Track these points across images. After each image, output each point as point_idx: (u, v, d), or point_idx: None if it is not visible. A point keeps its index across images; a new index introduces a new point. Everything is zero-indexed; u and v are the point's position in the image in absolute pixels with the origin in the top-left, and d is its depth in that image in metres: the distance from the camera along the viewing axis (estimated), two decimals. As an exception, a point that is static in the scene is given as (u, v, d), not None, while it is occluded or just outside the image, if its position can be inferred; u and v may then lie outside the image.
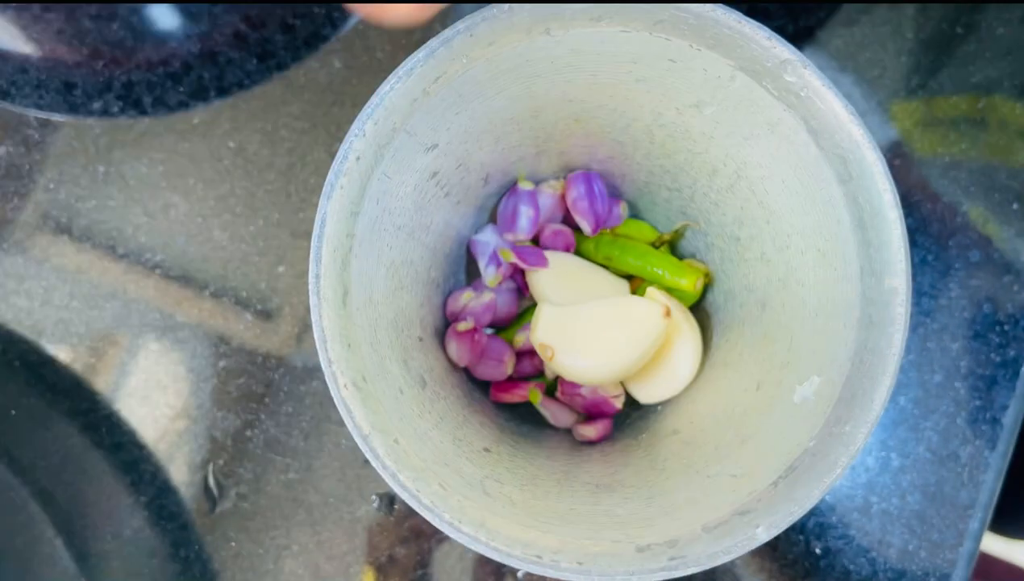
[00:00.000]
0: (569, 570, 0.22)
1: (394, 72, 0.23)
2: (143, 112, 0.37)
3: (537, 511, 0.25)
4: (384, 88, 0.24)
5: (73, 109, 0.37)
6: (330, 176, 0.23)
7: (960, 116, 0.37)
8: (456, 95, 0.25)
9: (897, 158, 0.36)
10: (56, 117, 0.37)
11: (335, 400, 0.23)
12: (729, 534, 0.23)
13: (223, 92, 0.37)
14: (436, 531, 0.35)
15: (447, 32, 0.24)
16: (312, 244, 0.23)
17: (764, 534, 0.23)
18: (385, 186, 0.25)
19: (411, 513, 0.35)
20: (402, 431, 0.24)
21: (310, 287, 0.23)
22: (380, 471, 0.23)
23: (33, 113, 0.37)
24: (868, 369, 0.24)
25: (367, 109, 0.23)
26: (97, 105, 0.37)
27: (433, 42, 0.24)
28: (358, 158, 0.24)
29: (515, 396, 0.32)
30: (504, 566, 0.35)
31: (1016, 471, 0.37)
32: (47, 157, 0.37)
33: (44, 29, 0.37)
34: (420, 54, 0.24)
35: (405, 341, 0.28)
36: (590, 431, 0.31)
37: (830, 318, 0.25)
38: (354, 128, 0.23)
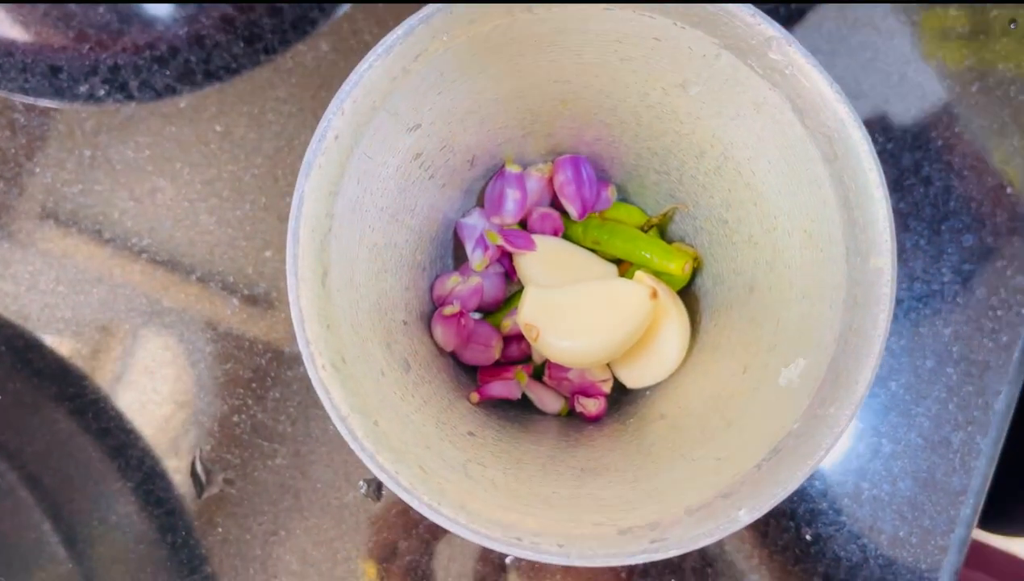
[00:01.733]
0: (549, 552, 0.22)
1: (372, 50, 0.23)
2: (129, 96, 0.36)
3: (519, 494, 0.25)
4: (363, 66, 0.23)
5: (59, 93, 0.36)
6: (308, 155, 0.23)
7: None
8: (438, 74, 0.25)
9: (890, 141, 0.36)
10: (42, 101, 0.36)
11: (312, 381, 0.23)
12: (711, 517, 0.23)
13: (210, 76, 0.36)
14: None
15: (426, 9, 0.23)
16: (290, 223, 0.23)
17: (746, 516, 0.23)
18: (366, 166, 0.25)
19: (400, 498, 0.35)
20: (382, 413, 0.24)
21: (287, 266, 0.23)
22: (358, 452, 0.23)
23: (19, 97, 0.36)
24: (853, 350, 0.23)
25: (345, 87, 0.23)
26: (83, 89, 0.36)
27: (412, 19, 0.23)
28: (336, 137, 0.23)
29: (502, 379, 0.32)
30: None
31: (1008, 463, 0.37)
32: (33, 141, 0.36)
33: (30, 12, 0.37)
34: (398, 31, 0.23)
35: (388, 324, 0.27)
36: (590, 404, 0.31)
37: (816, 300, 0.25)
38: (332, 106, 0.23)
